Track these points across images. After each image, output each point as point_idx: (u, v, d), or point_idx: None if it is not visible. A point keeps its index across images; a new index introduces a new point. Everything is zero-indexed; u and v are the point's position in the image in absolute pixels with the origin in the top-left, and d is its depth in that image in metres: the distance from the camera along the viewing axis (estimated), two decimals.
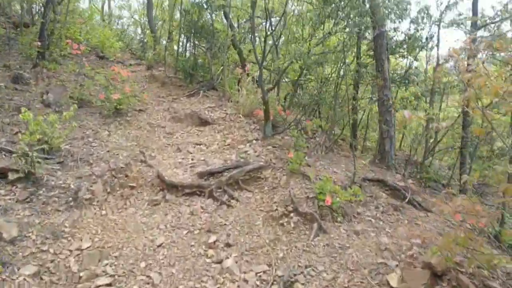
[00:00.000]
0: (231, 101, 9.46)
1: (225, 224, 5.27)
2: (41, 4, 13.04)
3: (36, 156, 5.45)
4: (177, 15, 17.51)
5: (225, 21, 13.20)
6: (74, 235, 4.83)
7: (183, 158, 6.91)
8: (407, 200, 5.96)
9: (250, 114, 8.64)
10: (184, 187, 5.97)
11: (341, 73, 9.02)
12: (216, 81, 11.17)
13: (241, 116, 8.66)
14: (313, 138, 7.53)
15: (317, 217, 4.82)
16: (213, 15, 10.91)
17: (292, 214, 5.02)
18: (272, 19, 11.07)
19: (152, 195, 6.06)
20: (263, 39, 11.53)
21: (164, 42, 18.18)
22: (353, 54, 9.24)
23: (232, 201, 5.74)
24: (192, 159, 6.84)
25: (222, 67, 11.04)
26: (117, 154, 6.61)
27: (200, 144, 7.48)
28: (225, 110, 9.04)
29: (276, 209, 5.30)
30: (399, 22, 8.07)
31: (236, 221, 5.32)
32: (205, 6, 10.67)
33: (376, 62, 7.47)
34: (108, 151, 6.66)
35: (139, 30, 20.42)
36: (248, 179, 6.10)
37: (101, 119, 7.96)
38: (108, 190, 5.86)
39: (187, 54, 13.47)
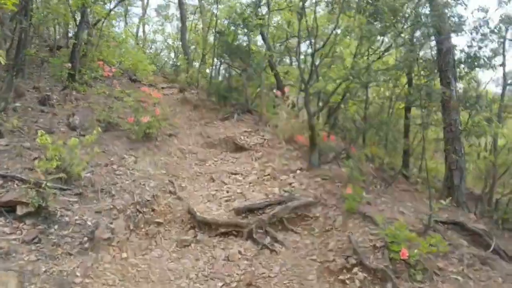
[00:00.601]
0: (269, 126, 8.50)
1: (269, 276, 4.19)
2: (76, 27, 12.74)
3: (50, 186, 4.59)
4: (211, 39, 17.03)
5: (259, 42, 12.51)
6: (86, 287, 3.87)
7: (217, 190, 5.93)
8: (491, 249, 4.72)
9: (290, 140, 7.64)
10: (219, 226, 4.95)
11: (393, 94, 7.95)
12: (251, 104, 10.28)
13: (280, 142, 7.67)
14: (369, 169, 6.41)
15: (391, 275, 3.67)
16: (249, 35, 10.11)
17: (356, 269, 3.88)
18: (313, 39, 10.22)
19: (182, 233, 5.07)
20: (303, 59, 10.67)
21: (197, 65, 17.72)
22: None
23: (275, 244, 4.67)
24: (227, 192, 5.84)
25: (258, 89, 10.17)
26: (144, 184, 5.70)
27: (236, 174, 6.49)
28: (263, 135, 8.07)
29: (334, 260, 4.17)
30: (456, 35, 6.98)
31: (283, 272, 4.23)
32: (241, 26, 9.91)
33: (441, 81, 6.36)
34: (134, 180, 5.76)
35: (172, 55, 20.08)
36: (294, 218, 5.03)
37: (128, 144, 7.14)
38: (131, 227, 4.92)
39: (220, 77, 12.76)
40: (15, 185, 4.87)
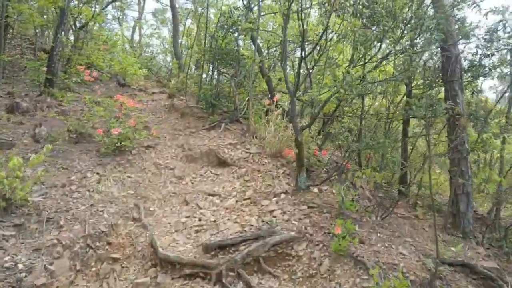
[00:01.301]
0: (257, 137, 7.60)
1: None
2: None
3: None
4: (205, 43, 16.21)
5: (253, 47, 11.63)
6: None
7: (188, 217, 5.01)
8: None
9: (278, 154, 6.74)
10: (184, 265, 4.04)
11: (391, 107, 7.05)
12: (241, 113, 9.38)
13: (267, 156, 6.77)
14: (364, 192, 5.50)
15: None
16: (240, 40, 9.21)
17: None
18: (306, 44, 9.33)
19: (140, 273, 4.15)
20: (295, 66, 9.77)
21: (190, 70, 16.82)
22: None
23: None
24: (199, 219, 4.92)
25: (248, 97, 9.26)
26: (102, 211, 4.80)
27: (213, 195, 5.58)
28: (248, 149, 7.16)
29: None
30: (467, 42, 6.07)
31: None
32: (231, 30, 9.01)
33: (445, 93, 5.44)
34: (91, 205, 4.86)
35: (168, 59, 19.20)
36: (273, 257, 4.10)
37: (97, 158, 6.25)
38: (78, 266, 4.01)
39: (214, 82, 11.89)
40: None
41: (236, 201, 5.25)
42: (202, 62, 11.29)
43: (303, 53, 5.58)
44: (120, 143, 6.39)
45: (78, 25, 11.81)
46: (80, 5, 11.85)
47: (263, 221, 4.59)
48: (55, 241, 4.03)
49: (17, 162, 4.35)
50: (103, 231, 4.43)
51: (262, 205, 5.00)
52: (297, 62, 5.60)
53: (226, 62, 9.33)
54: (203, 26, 14.75)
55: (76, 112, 8.28)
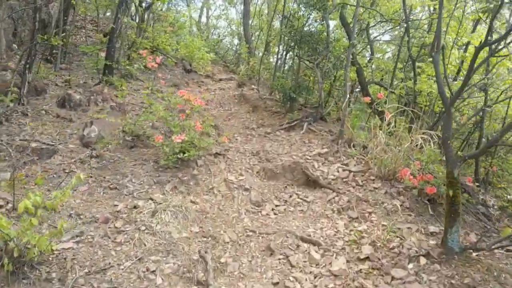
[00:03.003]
0: (354, 147, 5.56)
1: None
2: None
3: None
4: (277, 24, 14.14)
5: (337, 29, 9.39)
6: None
7: (277, 284, 3.20)
8: None
9: (390, 176, 4.70)
10: None
11: None
12: (325, 110, 7.35)
13: (374, 178, 4.75)
14: None
15: None
16: (326, 19, 7.07)
17: None
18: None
19: None
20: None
21: (260, 54, 14.89)
22: None
23: None
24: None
25: (339, 93, 7.25)
26: (154, 270, 3.12)
27: (309, 242, 3.72)
28: (346, 164, 5.15)
29: None
30: None
31: None
32: (317, 7, 6.91)
33: None
34: (140, 258, 3.22)
35: (236, 41, 17.40)
36: None
37: (154, 173, 4.63)
38: None
39: (287, 70, 9.91)
40: None
41: (348, 262, 3.32)
42: (277, 46, 9.32)
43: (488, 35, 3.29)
44: (183, 153, 4.71)
45: (144, 5, 10.28)
46: None
47: None
48: None
49: (35, 199, 2.77)
50: None
51: (393, 278, 3.03)
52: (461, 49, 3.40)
53: (309, 46, 7.27)
54: (278, 5, 12.72)
55: (135, 106, 6.78)
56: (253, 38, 13.53)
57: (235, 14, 18.51)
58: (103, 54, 7.53)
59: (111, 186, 4.27)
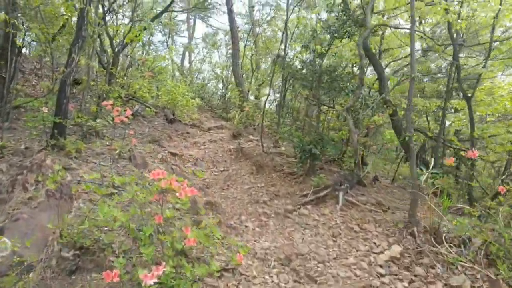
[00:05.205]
0: (446, 240, 3.24)
1: None
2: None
3: None
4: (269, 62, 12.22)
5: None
6: None
7: None
8: None
9: None
10: None
11: None
12: (364, 171, 5.10)
13: None
14: None
15: None
16: (361, 46, 4.96)
17: None
18: None
19: None
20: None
21: (253, 98, 12.79)
22: None
23: None
24: None
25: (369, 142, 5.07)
26: None
27: None
28: (456, 286, 2.83)
29: None
30: None
31: None
32: (347, 35, 4.82)
33: None
34: None
35: (220, 85, 15.30)
36: None
37: None
38: None
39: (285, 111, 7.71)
40: None
41: None
42: (284, 86, 7.18)
43: None
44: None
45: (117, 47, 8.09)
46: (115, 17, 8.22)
47: None
48: None
49: None
50: None
51: None
52: None
53: (336, 87, 5.10)
54: (269, 44, 10.82)
55: (92, 184, 4.33)
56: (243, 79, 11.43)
57: (219, 58, 16.51)
58: (45, 110, 5.13)
59: None
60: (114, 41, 7.88)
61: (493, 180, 4.25)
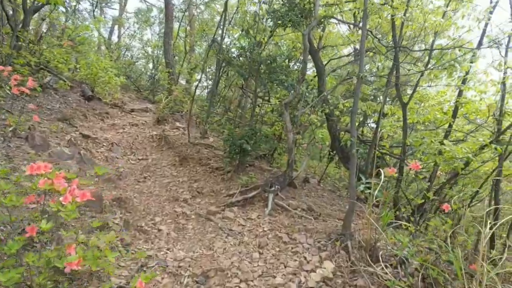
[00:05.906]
0: (383, 260, 2.93)
1: None
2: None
3: None
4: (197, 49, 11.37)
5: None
6: None
7: None
8: None
9: None
10: None
11: None
12: (297, 172, 4.70)
13: None
14: None
15: None
16: (306, 37, 4.50)
17: None
18: None
19: None
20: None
21: (184, 82, 11.82)
22: None
23: None
24: None
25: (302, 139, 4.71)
26: None
27: None
28: None
29: None
30: None
31: None
32: (291, 24, 4.31)
33: None
34: None
35: (150, 66, 13.96)
36: None
37: None
38: None
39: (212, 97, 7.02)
40: None
41: None
42: (217, 72, 6.48)
43: None
44: None
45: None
46: None
47: None
48: None
49: None
50: None
51: None
52: None
53: (275, 79, 4.59)
54: (205, 26, 10.00)
55: None
56: (175, 61, 10.42)
57: (151, 36, 15.09)
58: None
59: None
60: None
61: (419, 191, 4.14)
